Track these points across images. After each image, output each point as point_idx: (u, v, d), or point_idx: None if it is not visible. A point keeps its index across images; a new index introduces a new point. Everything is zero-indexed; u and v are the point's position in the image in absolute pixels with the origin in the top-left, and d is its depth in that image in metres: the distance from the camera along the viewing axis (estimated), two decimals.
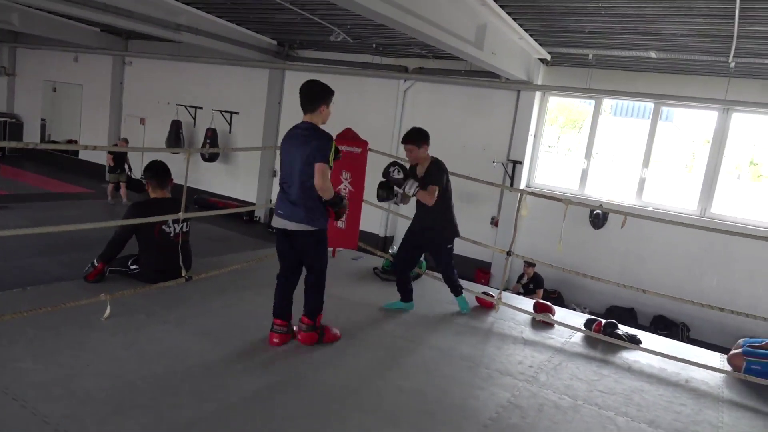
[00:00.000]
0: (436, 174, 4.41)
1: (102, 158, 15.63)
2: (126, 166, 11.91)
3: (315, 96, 3.55)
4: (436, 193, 4.33)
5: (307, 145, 3.45)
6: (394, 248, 8.54)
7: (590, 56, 8.42)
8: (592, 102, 9.70)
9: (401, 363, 3.73)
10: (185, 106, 13.65)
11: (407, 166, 4.57)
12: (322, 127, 3.59)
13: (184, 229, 4.52)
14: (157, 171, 4.60)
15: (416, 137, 4.42)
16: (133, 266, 4.48)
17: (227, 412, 2.84)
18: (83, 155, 16.00)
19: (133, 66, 15.09)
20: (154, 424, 2.68)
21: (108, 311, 3.71)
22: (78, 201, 12.86)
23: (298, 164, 3.46)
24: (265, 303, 3.77)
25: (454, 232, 4.68)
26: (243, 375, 3.23)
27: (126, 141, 13.08)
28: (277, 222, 3.60)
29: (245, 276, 4.99)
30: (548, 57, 9.12)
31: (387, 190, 4.49)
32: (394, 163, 4.39)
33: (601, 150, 10.07)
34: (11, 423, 2.54)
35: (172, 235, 4.43)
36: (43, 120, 17.32)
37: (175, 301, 4.16)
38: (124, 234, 4.38)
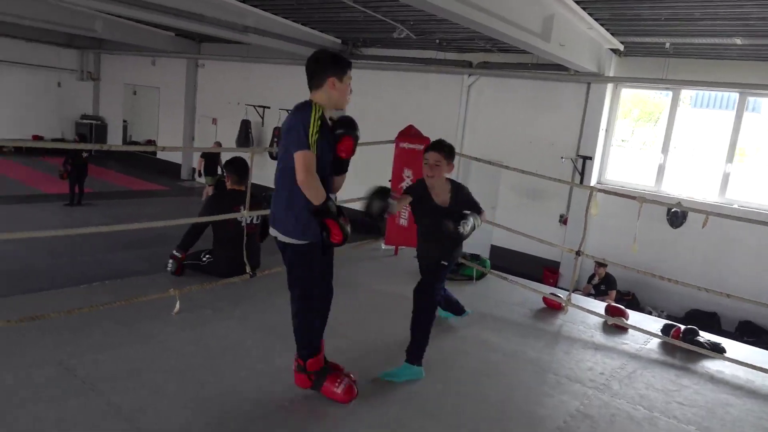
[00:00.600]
0: (472, 198, 3.55)
1: (177, 158, 16.41)
2: (219, 169, 12.04)
3: (318, 67, 2.73)
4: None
5: (284, 129, 2.72)
6: None
7: (667, 45, 7.94)
8: (669, 93, 9.16)
9: (463, 365, 3.63)
10: (254, 106, 14.04)
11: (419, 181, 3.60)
12: (336, 113, 2.80)
13: (255, 221, 4.63)
14: (239, 166, 4.81)
15: (450, 150, 3.47)
16: (205, 257, 4.66)
17: (287, 411, 2.86)
18: (161, 155, 16.81)
19: (206, 68, 15.69)
20: (218, 419, 2.72)
21: (177, 306, 3.84)
22: (156, 198, 13.54)
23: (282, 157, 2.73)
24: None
25: (459, 252, 3.70)
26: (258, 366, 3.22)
27: (219, 143, 13.41)
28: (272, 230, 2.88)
29: None
30: (621, 47, 8.68)
31: (381, 205, 3.04)
32: (463, 216, 3.27)
33: (680, 144, 9.50)
34: (89, 412, 2.66)
35: (243, 224, 4.56)
36: (125, 121, 18.37)
37: (240, 297, 4.25)
38: (202, 222, 4.58)
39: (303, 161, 2.57)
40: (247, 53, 13.71)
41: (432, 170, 3.41)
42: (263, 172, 13.31)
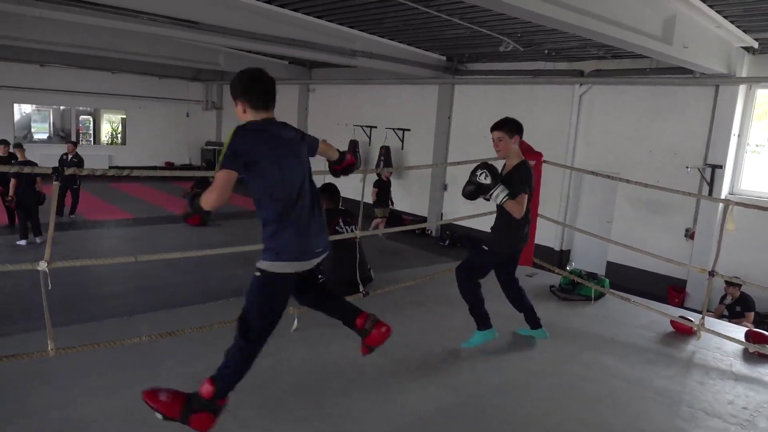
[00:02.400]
0: (526, 178, 3.76)
1: None
2: (390, 201, 12.08)
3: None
4: (525, 202, 3.73)
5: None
6: (572, 264, 8.05)
7: None
8: None
9: (584, 393, 3.43)
10: (361, 126, 14.46)
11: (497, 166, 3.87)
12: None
13: (356, 232, 4.72)
14: (333, 192, 5.18)
15: (508, 124, 3.80)
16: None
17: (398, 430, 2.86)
18: None
19: (316, 92, 16.44)
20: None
21: (296, 323, 4.01)
22: None
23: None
24: (438, 320, 3.75)
25: (503, 243, 3.95)
26: (417, 391, 3.23)
27: (390, 173, 12.84)
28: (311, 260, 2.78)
29: (419, 292, 5.04)
30: (755, 44, 7.91)
31: (474, 188, 3.75)
32: (482, 165, 3.73)
33: None
34: (219, 426, 2.83)
35: (345, 234, 4.68)
36: None
37: None
38: None
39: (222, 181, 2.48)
40: (354, 76, 14.19)
41: (497, 145, 3.85)
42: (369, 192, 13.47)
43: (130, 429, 2.75)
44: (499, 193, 3.66)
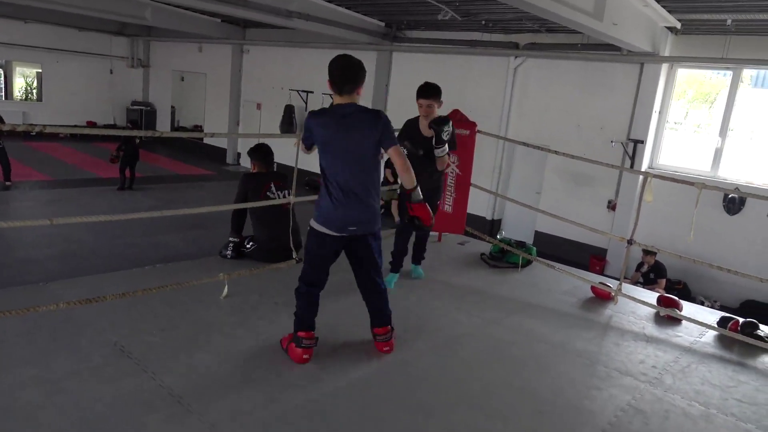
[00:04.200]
0: (455, 137, 4.28)
1: (223, 143, 16.69)
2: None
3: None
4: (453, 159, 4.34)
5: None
6: (502, 233, 8.30)
7: (728, 22, 7.52)
8: (729, 73, 8.71)
9: (510, 356, 3.58)
10: (297, 91, 14.11)
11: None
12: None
13: (288, 197, 4.64)
14: (265, 153, 4.97)
15: (437, 92, 4.20)
16: (249, 244, 4.76)
17: (331, 399, 2.88)
18: (207, 140, 17.15)
19: (251, 54, 15.85)
20: (263, 403, 2.77)
21: (226, 290, 3.92)
22: (202, 183, 13.85)
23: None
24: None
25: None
26: (347, 361, 3.24)
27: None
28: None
29: None
30: (678, 25, 8.27)
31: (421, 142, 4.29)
32: (448, 121, 4.08)
33: (738, 126, 9.04)
34: (142, 393, 2.75)
35: (277, 200, 4.62)
36: (173, 107, 18.80)
37: (287, 282, 4.27)
38: (238, 200, 4.72)
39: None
40: (291, 38, 13.76)
41: (426, 111, 4.20)
42: (308, 158, 13.31)
43: (47, 400, 2.61)
44: (445, 147, 4.10)
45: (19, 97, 18.56)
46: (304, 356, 3.13)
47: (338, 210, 2.99)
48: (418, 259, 4.81)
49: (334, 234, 3.05)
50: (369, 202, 3.04)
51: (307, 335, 3.14)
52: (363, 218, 3.06)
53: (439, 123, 4.04)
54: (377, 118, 3.01)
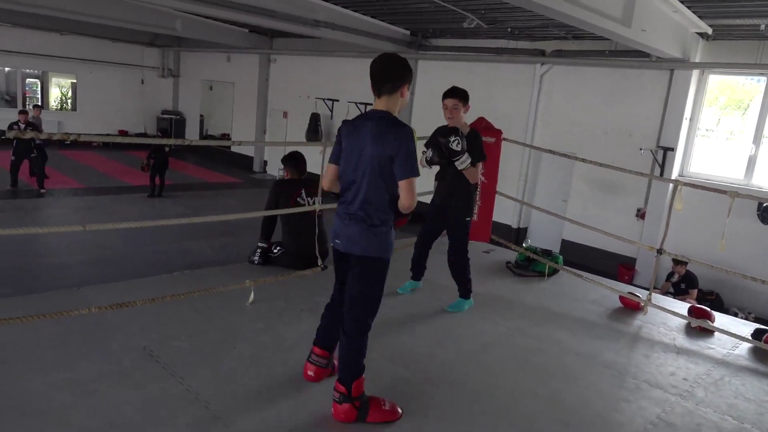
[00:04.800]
0: (481, 147, 4.02)
1: (250, 151, 16.92)
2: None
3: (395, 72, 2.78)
4: (480, 169, 4.09)
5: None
6: (528, 241, 8.23)
7: (762, 27, 7.34)
8: (763, 79, 8.50)
9: (536, 366, 3.53)
10: (323, 99, 14.25)
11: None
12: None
13: (316, 205, 4.64)
14: (298, 160, 5.03)
15: (462, 92, 3.98)
16: (276, 249, 4.82)
17: None
18: (234, 148, 17.41)
19: (277, 63, 16.07)
20: (289, 412, 2.78)
21: (252, 297, 3.96)
22: (230, 190, 14.05)
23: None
24: (395, 296, 3.75)
25: (472, 209, 4.32)
26: (369, 371, 3.23)
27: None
28: None
29: None
30: (709, 30, 8.12)
31: (439, 152, 3.88)
32: (455, 131, 3.85)
33: None
34: (169, 397, 2.79)
35: (307, 206, 4.67)
36: (201, 116, 19.16)
37: (311, 289, 4.32)
38: (269, 207, 4.79)
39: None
40: (317, 47, 13.92)
41: (451, 113, 3.97)
42: None
43: (78, 402, 2.67)
44: (465, 159, 3.85)
45: (54, 107, 19.13)
46: (309, 372, 2.99)
47: (335, 219, 2.77)
48: (463, 293, 4.33)
49: (334, 242, 2.80)
50: (358, 219, 2.63)
51: (316, 351, 2.99)
52: (345, 233, 2.68)
53: (444, 134, 3.86)
54: (388, 133, 2.57)
